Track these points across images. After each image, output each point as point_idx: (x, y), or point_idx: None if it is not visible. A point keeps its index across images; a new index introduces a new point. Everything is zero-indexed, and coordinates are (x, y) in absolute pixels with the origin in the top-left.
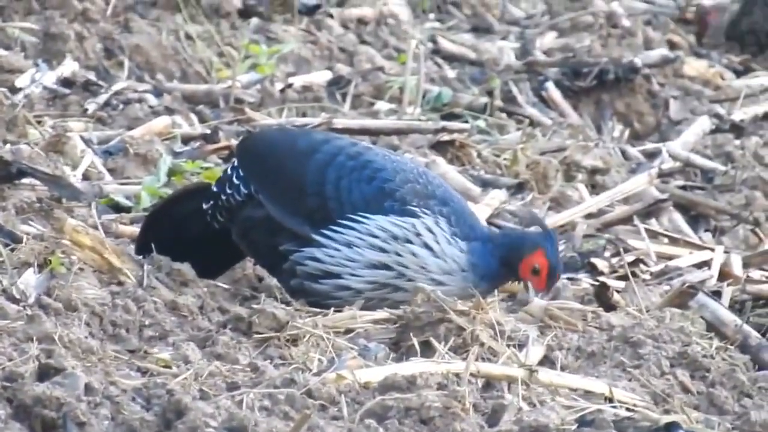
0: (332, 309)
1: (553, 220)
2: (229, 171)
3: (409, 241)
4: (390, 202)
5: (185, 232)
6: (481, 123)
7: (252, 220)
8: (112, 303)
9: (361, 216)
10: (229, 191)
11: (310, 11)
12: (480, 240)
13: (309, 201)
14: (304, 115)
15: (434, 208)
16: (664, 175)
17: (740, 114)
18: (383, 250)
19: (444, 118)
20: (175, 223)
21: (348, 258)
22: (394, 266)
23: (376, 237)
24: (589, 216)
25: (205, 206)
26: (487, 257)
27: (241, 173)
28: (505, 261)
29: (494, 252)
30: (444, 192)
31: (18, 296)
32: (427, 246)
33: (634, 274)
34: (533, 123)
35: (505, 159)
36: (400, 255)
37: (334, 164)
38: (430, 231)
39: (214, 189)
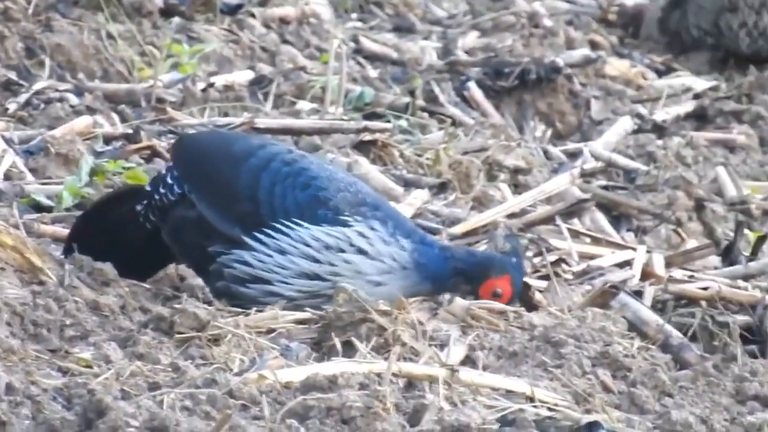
0: (254, 309)
1: (476, 219)
2: (164, 170)
3: (342, 251)
4: (324, 210)
5: (117, 234)
6: (403, 123)
7: (184, 219)
8: (33, 302)
9: (294, 223)
10: (162, 190)
11: (232, 11)
12: (430, 245)
13: (242, 205)
14: (226, 114)
15: (366, 213)
16: (586, 175)
17: (662, 114)
18: (316, 260)
19: (366, 117)
20: (106, 225)
21: (279, 265)
22: (328, 277)
23: (308, 246)
24: (511, 216)
25: (138, 208)
26: (440, 262)
27: (176, 174)
28: (464, 275)
29: (451, 261)
30: (374, 200)
31: None
32: (361, 251)
33: (556, 274)
34: (455, 123)
35: (427, 159)
36: (333, 265)
37: (268, 169)
38: (363, 236)
39: (148, 188)
